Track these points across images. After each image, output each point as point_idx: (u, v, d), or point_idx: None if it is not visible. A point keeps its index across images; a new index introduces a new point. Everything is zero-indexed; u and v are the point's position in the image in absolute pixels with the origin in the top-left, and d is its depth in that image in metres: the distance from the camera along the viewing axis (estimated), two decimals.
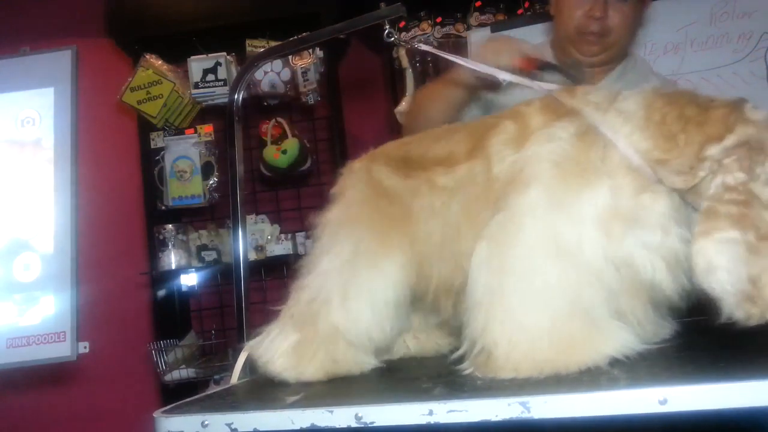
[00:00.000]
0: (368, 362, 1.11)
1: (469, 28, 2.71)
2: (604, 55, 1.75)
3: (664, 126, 0.93)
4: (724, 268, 0.82)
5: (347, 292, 1.08)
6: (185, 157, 2.86)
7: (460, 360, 1.00)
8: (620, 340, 0.93)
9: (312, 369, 1.07)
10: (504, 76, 1.17)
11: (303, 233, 2.79)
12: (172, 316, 2.95)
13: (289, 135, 2.85)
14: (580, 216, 0.93)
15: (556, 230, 0.93)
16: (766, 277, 0.81)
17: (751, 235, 0.82)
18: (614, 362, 0.92)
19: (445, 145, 1.14)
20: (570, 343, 0.91)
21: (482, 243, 0.97)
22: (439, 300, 1.10)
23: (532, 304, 0.93)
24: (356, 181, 1.20)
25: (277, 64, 2.75)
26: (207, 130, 2.90)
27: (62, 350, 2.36)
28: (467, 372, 0.97)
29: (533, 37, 2.51)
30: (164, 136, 2.91)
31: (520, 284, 0.93)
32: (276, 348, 1.10)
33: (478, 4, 2.75)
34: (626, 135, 0.94)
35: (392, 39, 1.27)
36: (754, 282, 0.81)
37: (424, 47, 1.39)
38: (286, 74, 2.77)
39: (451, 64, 1.45)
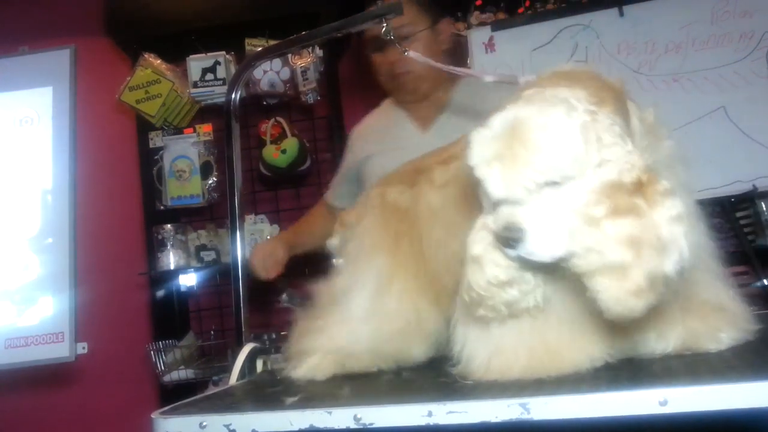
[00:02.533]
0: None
1: (469, 27, 2.71)
2: (425, 87, 1.77)
3: None
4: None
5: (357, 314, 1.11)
6: (184, 156, 2.85)
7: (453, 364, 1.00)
8: (594, 353, 0.91)
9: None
10: (488, 78, 1.20)
11: None
12: (170, 316, 2.93)
13: (289, 134, 2.84)
14: None
15: None
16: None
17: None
18: (614, 363, 0.91)
19: (450, 148, 1.14)
20: (545, 359, 0.90)
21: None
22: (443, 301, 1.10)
23: (504, 324, 0.91)
24: (371, 208, 1.20)
25: (277, 63, 2.74)
26: (206, 129, 2.89)
27: (61, 351, 2.35)
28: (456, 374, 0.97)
29: (534, 36, 2.52)
30: (163, 136, 2.90)
31: None
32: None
33: (478, 2, 2.74)
34: None
35: (389, 38, 1.27)
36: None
37: (412, 55, 1.39)
38: (285, 73, 2.77)
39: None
